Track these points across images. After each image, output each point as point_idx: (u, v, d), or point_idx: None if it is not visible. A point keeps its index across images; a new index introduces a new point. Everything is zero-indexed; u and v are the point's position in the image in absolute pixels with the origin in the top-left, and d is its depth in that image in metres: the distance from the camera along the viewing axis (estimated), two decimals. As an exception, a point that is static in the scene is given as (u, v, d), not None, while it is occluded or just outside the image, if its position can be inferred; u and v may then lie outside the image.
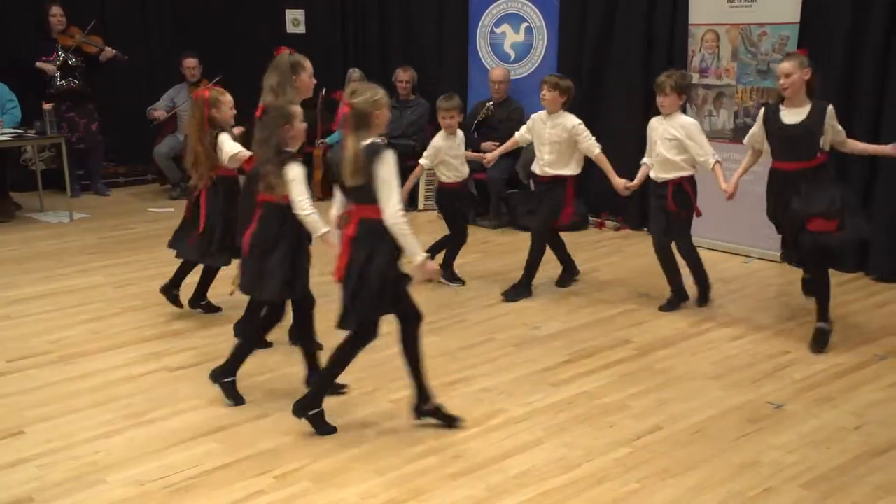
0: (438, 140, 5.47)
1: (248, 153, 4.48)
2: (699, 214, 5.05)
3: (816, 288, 4.59)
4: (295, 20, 9.03)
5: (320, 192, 7.58)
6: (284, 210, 3.71)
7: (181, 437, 3.58)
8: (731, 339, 4.69)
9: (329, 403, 3.86)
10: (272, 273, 3.75)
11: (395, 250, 3.40)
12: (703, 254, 5.54)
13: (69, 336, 4.76)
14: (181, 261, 4.98)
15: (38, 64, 7.89)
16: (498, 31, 7.62)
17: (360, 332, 3.52)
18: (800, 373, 4.24)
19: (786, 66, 4.38)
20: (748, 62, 6.05)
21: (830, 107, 4.36)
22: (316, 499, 3.12)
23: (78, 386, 4.10)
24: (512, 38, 7.52)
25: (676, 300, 5.16)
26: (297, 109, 3.78)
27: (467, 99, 7.80)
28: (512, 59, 7.53)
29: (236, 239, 4.22)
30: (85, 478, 3.27)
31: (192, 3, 9.34)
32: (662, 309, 5.12)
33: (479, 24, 7.72)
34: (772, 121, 4.47)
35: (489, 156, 5.72)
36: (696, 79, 6.34)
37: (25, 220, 7.61)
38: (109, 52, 8.14)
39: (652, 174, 5.07)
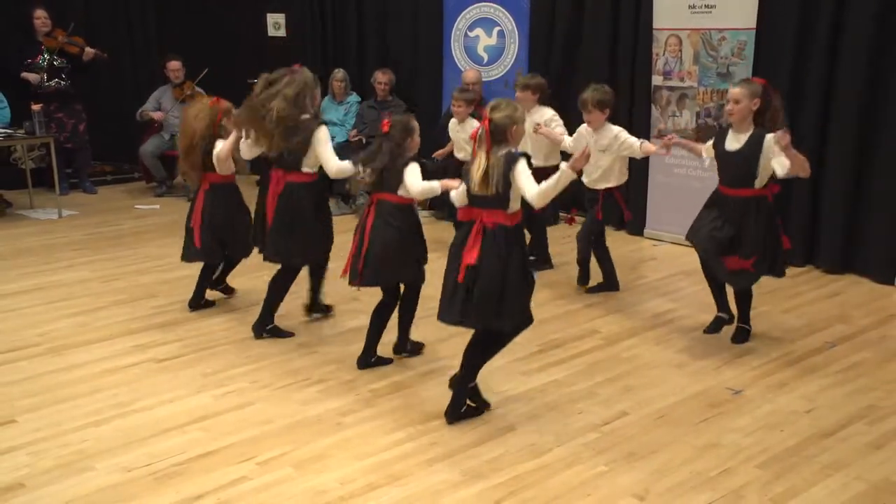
0: None
1: (227, 152, 4.70)
2: (629, 218, 5.48)
3: (738, 297, 4.63)
4: (276, 24, 9.12)
5: None
6: (405, 208, 4.11)
7: (167, 425, 3.65)
8: (692, 328, 4.83)
9: (310, 392, 3.99)
10: (412, 263, 4.18)
11: (525, 254, 3.63)
12: (667, 248, 5.71)
13: (58, 329, 4.82)
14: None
15: (24, 74, 7.96)
16: (471, 34, 7.77)
17: (515, 331, 3.71)
18: (756, 360, 4.40)
19: (736, 91, 4.29)
20: (709, 65, 6.25)
21: (769, 136, 4.20)
22: (297, 484, 3.19)
23: (67, 377, 4.16)
24: (485, 41, 7.67)
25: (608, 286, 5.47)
26: (416, 124, 4.16)
27: (442, 99, 7.95)
28: (485, 61, 7.68)
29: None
30: (74, 465, 3.32)
31: (176, 7, 9.43)
32: (590, 290, 5.47)
33: (454, 27, 7.87)
34: (718, 145, 4.44)
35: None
36: (660, 81, 6.54)
37: (15, 217, 7.66)
38: (90, 51, 8.21)
39: (585, 180, 5.27)
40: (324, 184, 4.70)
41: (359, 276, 4.09)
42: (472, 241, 3.52)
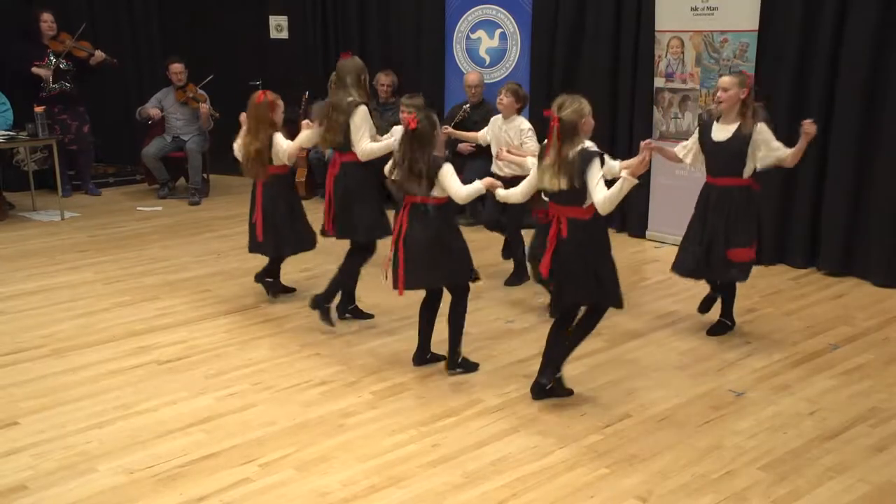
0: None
1: (298, 147, 4.89)
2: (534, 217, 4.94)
3: (725, 293, 4.78)
4: (278, 26, 9.13)
5: (304, 192, 7.76)
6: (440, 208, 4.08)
7: (169, 427, 3.66)
8: (695, 331, 4.83)
9: (312, 394, 4.01)
10: (457, 260, 4.13)
11: (607, 246, 3.84)
12: (669, 250, 5.66)
13: (61, 330, 4.83)
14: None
15: (34, 69, 7.97)
16: (473, 36, 7.77)
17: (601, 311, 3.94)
18: (759, 362, 4.40)
19: (726, 79, 4.43)
20: (711, 67, 6.25)
21: (760, 125, 4.36)
22: (299, 486, 3.21)
23: (70, 378, 4.18)
24: (487, 43, 7.68)
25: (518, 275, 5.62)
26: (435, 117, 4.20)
27: (444, 101, 7.96)
28: (487, 63, 7.69)
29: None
30: (77, 466, 3.34)
31: (179, 10, 9.45)
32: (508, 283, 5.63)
33: (456, 29, 7.87)
34: (705, 136, 4.53)
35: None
36: (662, 83, 6.55)
37: (18, 219, 7.66)
38: (99, 56, 8.23)
39: (495, 168, 5.47)
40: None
41: (399, 280, 4.09)
42: (549, 245, 3.78)
